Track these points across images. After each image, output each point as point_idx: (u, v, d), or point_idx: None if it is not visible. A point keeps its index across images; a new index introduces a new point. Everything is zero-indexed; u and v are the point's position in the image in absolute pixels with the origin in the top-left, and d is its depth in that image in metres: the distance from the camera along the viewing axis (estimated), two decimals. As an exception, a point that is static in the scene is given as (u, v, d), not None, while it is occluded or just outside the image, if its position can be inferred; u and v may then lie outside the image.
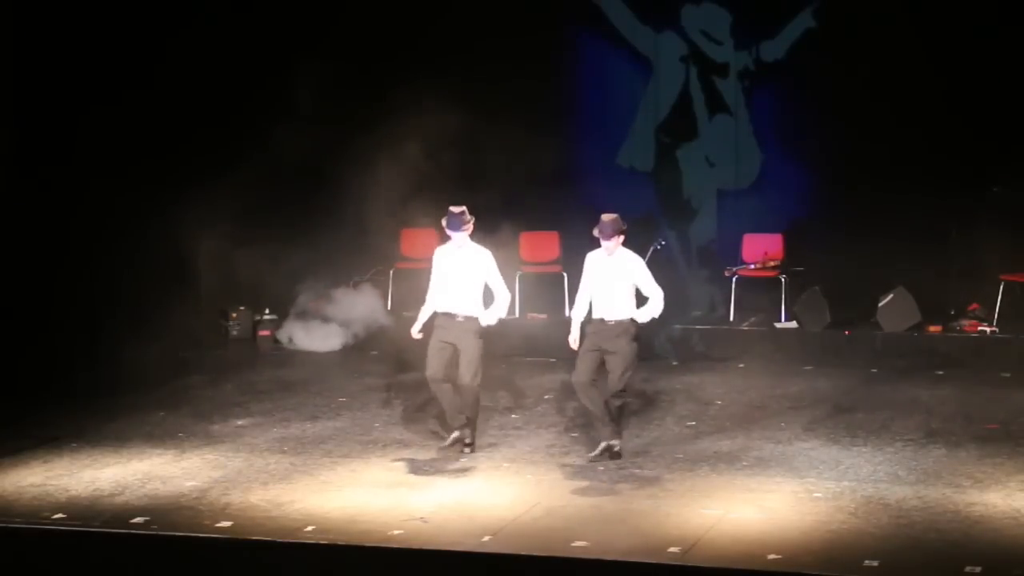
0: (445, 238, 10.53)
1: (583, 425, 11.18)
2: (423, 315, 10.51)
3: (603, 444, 10.08)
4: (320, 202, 14.21)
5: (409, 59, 14.89)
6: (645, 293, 10.09)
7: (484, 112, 13.68)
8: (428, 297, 10.52)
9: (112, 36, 13.33)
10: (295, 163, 14.10)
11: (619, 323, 10.02)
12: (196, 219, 13.13)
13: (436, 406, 11.27)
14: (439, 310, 10.41)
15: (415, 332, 10.53)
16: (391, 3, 15.31)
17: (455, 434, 10.38)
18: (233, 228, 13.58)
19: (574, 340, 10.27)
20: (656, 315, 10.12)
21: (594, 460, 10.04)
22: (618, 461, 10.02)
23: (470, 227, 10.39)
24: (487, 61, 15.01)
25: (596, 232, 10.05)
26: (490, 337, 10.48)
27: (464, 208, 10.39)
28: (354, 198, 13.82)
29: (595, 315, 10.13)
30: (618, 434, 10.14)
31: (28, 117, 12.92)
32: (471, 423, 10.47)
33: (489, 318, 10.39)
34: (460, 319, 10.31)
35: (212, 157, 13.45)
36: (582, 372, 10.03)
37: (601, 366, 10.06)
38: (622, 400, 10.25)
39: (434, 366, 10.32)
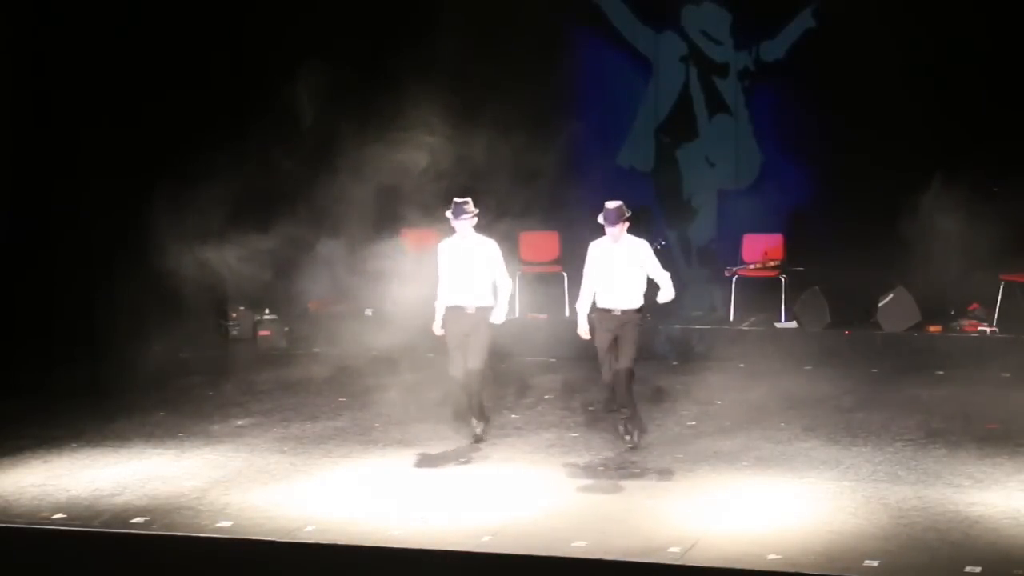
0: (447, 234, 10.57)
1: (583, 425, 11.20)
2: (439, 310, 10.53)
3: (626, 433, 10.34)
4: (319, 202, 14.20)
5: (408, 60, 14.89)
6: (653, 277, 10.21)
7: (484, 112, 13.68)
8: (439, 292, 10.53)
9: (107, 40, 13.32)
10: (293, 163, 14.10)
11: (626, 313, 10.12)
12: (196, 219, 13.12)
13: (434, 405, 11.30)
14: (449, 304, 10.44)
15: (437, 329, 10.55)
16: (390, 3, 15.31)
17: (477, 428, 10.57)
18: (232, 229, 13.56)
19: (583, 331, 10.35)
20: (672, 296, 10.27)
21: (630, 448, 10.30)
22: (617, 461, 10.04)
23: (474, 218, 10.43)
24: (487, 61, 15.02)
25: (601, 219, 10.14)
26: (493, 335, 10.50)
27: (469, 199, 10.45)
28: (353, 198, 13.81)
29: (601, 304, 10.19)
30: (634, 415, 10.38)
31: (29, 120, 12.92)
32: (483, 412, 10.58)
33: (498, 317, 10.49)
34: (471, 311, 10.37)
35: (212, 157, 13.42)
36: (608, 371, 10.19)
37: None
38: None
39: (458, 363, 10.40)
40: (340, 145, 13.93)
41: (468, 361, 10.38)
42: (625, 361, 10.13)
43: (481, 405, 10.63)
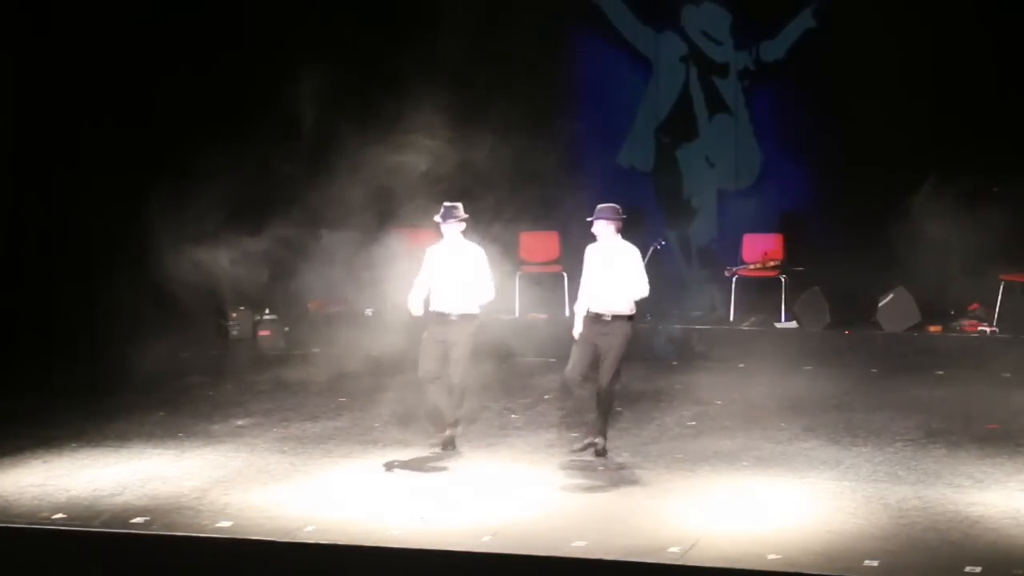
0: (441, 237, 10.49)
1: (583, 424, 11.18)
2: (414, 299, 10.30)
3: (587, 440, 10.08)
4: (319, 203, 14.20)
5: (408, 60, 14.89)
6: (631, 280, 10.00)
7: (483, 111, 13.68)
8: (413, 290, 10.32)
9: (108, 42, 13.31)
10: (293, 164, 14.09)
11: (616, 318, 10.01)
12: (196, 219, 13.12)
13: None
14: (432, 309, 10.36)
15: (415, 310, 10.28)
16: (390, 4, 15.31)
17: (447, 432, 10.39)
18: (232, 229, 13.56)
19: (578, 333, 10.21)
20: (635, 298, 10.00)
21: (576, 452, 10.04)
22: (618, 461, 10.02)
23: (463, 223, 10.35)
24: (487, 61, 15.02)
25: (590, 219, 10.08)
26: (490, 337, 10.46)
27: (459, 204, 10.38)
28: (353, 199, 13.81)
29: (592, 309, 10.09)
30: (603, 432, 10.12)
31: (29, 120, 12.92)
32: (459, 422, 10.47)
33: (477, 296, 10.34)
34: (455, 318, 10.27)
35: (212, 157, 13.42)
36: (575, 366, 10.01)
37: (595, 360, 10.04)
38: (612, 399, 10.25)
39: (426, 365, 10.28)
40: (340, 146, 13.93)
41: (450, 374, 10.23)
42: (605, 377, 9.97)
43: (453, 410, 10.35)
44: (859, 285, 14.22)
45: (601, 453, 10.08)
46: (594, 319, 10.06)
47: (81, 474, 9.89)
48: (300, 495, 9.27)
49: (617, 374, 10.07)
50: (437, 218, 10.36)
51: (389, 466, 10.05)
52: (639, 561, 7.80)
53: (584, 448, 10.08)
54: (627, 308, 10.06)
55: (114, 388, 12.44)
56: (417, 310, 10.34)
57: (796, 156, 15.11)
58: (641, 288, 10.03)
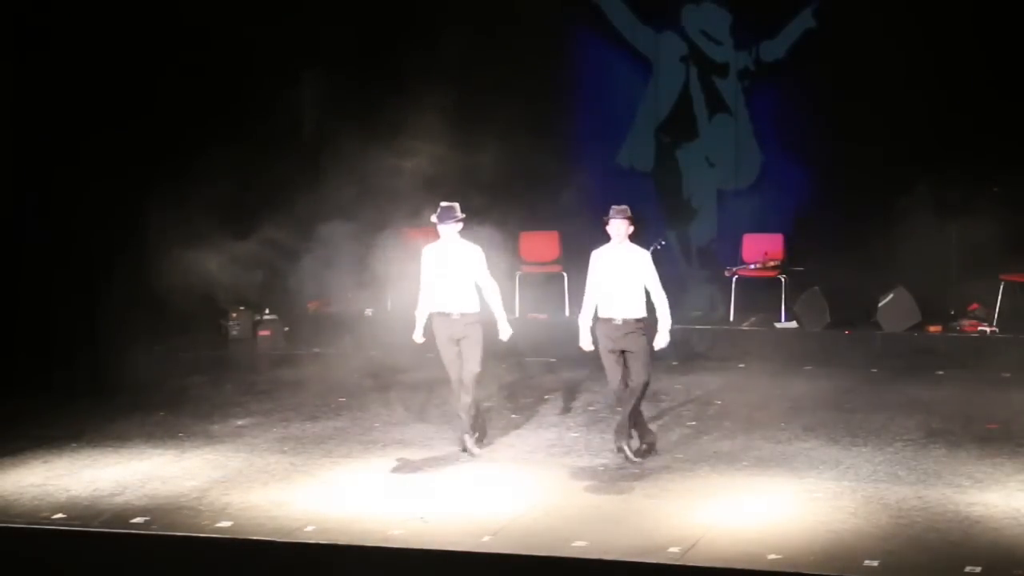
0: (436, 236, 10.45)
1: (583, 425, 11.20)
2: (420, 318, 10.40)
3: (642, 444, 10.11)
4: (319, 204, 14.22)
5: (408, 60, 14.90)
6: (650, 292, 9.99)
7: (484, 112, 13.69)
8: (421, 298, 10.40)
9: (104, 48, 13.32)
10: (293, 165, 14.10)
11: (627, 322, 9.92)
12: (196, 220, 13.14)
13: (435, 406, 11.29)
14: (434, 310, 10.34)
15: (417, 337, 10.44)
16: (390, 3, 15.32)
17: (476, 435, 10.40)
18: (233, 230, 13.58)
19: (586, 343, 10.09)
20: (669, 325, 10.02)
21: (638, 459, 9.99)
22: (617, 461, 10.00)
23: (460, 223, 10.33)
24: (487, 61, 15.03)
25: (606, 218, 10.03)
26: (489, 337, 10.45)
27: (456, 204, 10.36)
28: (352, 199, 13.82)
29: (602, 314, 10.00)
30: (641, 434, 10.15)
31: (29, 123, 12.94)
32: (480, 422, 10.47)
33: (504, 328, 10.39)
34: (457, 316, 10.25)
35: (213, 159, 13.45)
36: (615, 379, 9.98)
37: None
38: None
39: (456, 370, 10.27)
40: (340, 147, 13.95)
41: (465, 366, 10.24)
42: (637, 380, 9.88)
43: (478, 414, 10.44)
44: (859, 285, 14.22)
45: (640, 453, 10.07)
46: (606, 324, 9.98)
47: (81, 474, 9.89)
48: (300, 495, 9.27)
49: (647, 375, 10.00)
50: (434, 218, 10.33)
51: (389, 466, 10.05)
52: (639, 561, 7.81)
53: (639, 453, 10.03)
54: (640, 311, 9.97)
55: (114, 389, 12.44)
56: (419, 337, 10.40)
57: (796, 156, 15.13)
58: (663, 301, 10.00)
